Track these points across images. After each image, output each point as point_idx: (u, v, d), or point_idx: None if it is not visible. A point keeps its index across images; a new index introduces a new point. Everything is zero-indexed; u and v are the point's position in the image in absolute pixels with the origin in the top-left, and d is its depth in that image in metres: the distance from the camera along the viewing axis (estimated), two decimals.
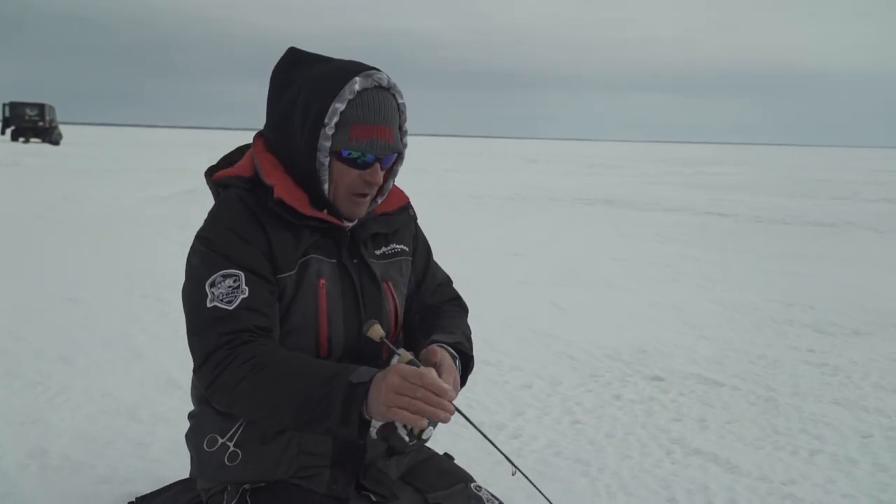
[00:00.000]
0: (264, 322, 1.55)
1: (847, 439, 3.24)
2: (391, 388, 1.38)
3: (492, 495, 1.75)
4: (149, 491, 2.31)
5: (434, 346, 1.60)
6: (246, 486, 1.65)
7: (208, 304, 1.53)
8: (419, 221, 1.91)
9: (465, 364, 1.75)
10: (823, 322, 5.35)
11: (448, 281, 1.95)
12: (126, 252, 7.36)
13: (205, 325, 1.53)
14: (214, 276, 1.55)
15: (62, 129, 40.19)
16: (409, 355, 1.48)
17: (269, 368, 1.47)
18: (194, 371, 1.56)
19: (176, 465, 2.63)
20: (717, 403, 3.63)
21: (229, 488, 1.67)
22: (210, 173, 1.74)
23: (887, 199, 17.53)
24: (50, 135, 37.28)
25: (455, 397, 1.42)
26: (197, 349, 1.54)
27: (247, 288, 1.55)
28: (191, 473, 1.82)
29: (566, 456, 2.99)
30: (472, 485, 1.75)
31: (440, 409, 1.38)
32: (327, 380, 1.44)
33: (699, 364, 4.26)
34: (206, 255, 1.59)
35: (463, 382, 1.70)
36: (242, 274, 1.56)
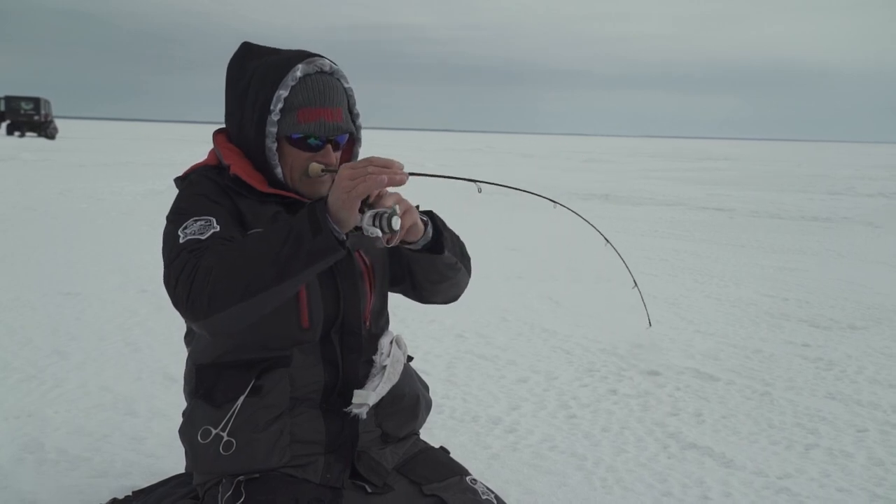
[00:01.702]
0: None
1: (842, 433, 3.25)
2: (343, 178, 1.43)
3: (487, 488, 1.75)
4: (145, 485, 2.32)
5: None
6: (241, 477, 1.65)
7: (181, 241, 1.55)
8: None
9: (433, 220, 1.75)
10: (819, 317, 5.37)
11: None
12: (122, 246, 7.35)
13: (176, 255, 1.53)
14: (186, 222, 1.59)
15: (58, 123, 40.06)
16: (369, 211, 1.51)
17: (232, 248, 1.50)
18: (172, 300, 1.51)
19: (172, 460, 2.63)
20: (712, 398, 3.64)
21: (224, 481, 1.68)
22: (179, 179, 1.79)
23: (882, 194, 17.55)
24: (45, 129, 37.17)
25: (403, 167, 1.46)
26: (170, 278, 1.52)
27: (219, 226, 1.57)
28: (186, 468, 1.82)
29: (562, 450, 3.00)
30: (468, 478, 1.76)
31: (394, 173, 1.42)
32: (288, 220, 1.49)
33: (695, 359, 4.27)
34: (176, 219, 1.62)
35: (444, 234, 1.73)
36: (213, 219, 1.59)
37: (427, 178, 1.71)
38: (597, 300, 5.71)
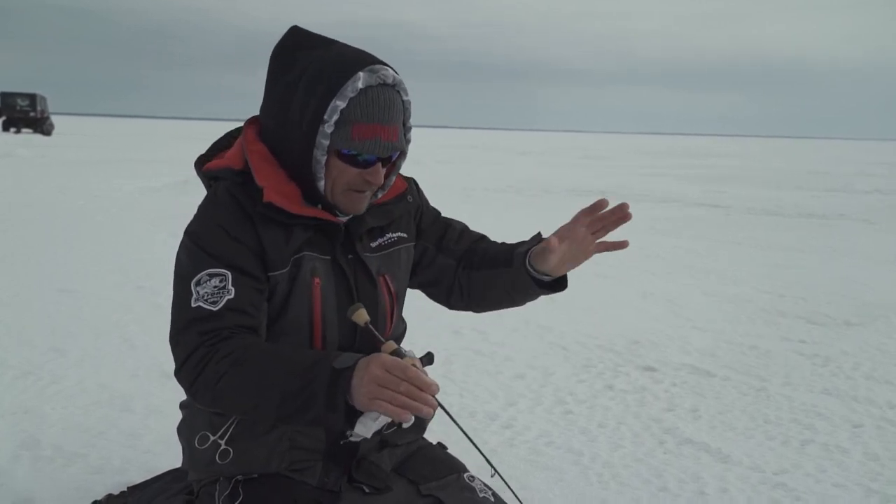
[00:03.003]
0: (248, 322, 1.52)
1: (838, 429, 3.26)
2: (373, 379, 1.33)
3: (485, 485, 1.74)
4: (141, 481, 2.32)
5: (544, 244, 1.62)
6: (238, 477, 1.65)
7: (192, 304, 1.49)
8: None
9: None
10: (815, 313, 5.38)
11: (467, 227, 1.94)
12: (118, 243, 7.33)
13: (187, 325, 1.49)
14: (200, 274, 1.51)
15: (56, 119, 39.94)
16: (394, 345, 1.45)
17: (250, 361, 1.44)
18: (175, 373, 1.51)
19: (168, 456, 2.63)
20: (709, 394, 3.65)
21: (221, 479, 1.67)
22: (200, 163, 1.69)
23: (880, 191, 17.58)
24: (42, 125, 37.10)
25: (438, 391, 1.37)
26: (178, 350, 1.50)
27: (233, 288, 1.50)
28: (182, 464, 1.81)
29: (558, 446, 3.00)
30: (465, 475, 1.75)
31: (423, 405, 1.33)
32: (309, 368, 1.40)
33: (691, 355, 4.28)
34: (193, 252, 1.55)
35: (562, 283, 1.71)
36: (229, 273, 1.51)
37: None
38: (594, 296, 5.72)
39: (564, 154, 38.38)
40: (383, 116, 1.51)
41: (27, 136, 34.10)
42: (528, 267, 1.66)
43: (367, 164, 1.54)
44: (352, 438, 1.61)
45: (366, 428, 1.45)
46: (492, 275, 1.77)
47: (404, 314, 1.89)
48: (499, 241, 1.88)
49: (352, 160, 1.53)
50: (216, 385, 1.44)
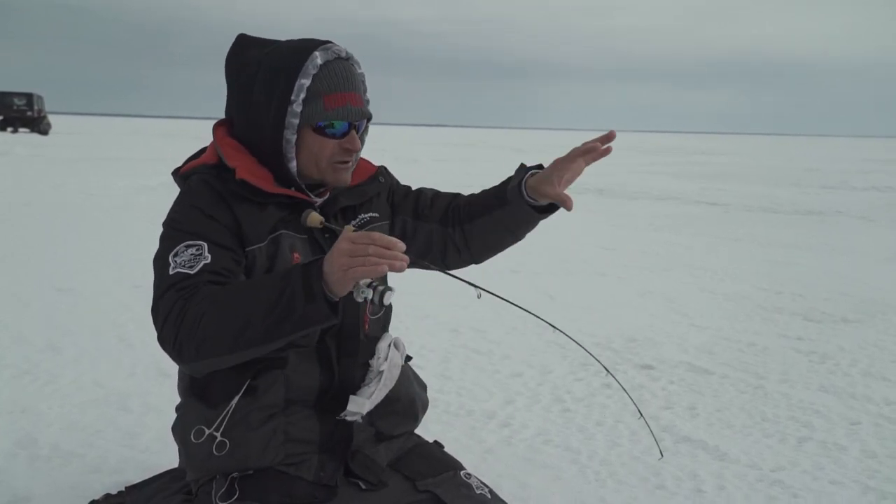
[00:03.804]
0: (225, 283, 1.53)
1: (835, 426, 3.27)
2: (342, 252, 1.38)
3: (481, 482, 1.75)
4: (139, 480, 2.31)
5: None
6: (234, 474, 1.65)
7: (170, 272, 1.52)
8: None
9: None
10: (812, 310, 5.38)
11: (438, 191, 2.00)
12: (115, 241, 7.33)
13: (165, 291, 1.51)
14: (178, 247, 1.55)
15: (55, 118, 39.83)
16: (352, 228, 1.49)
17: (226, 295, 1.46)
18: (158, 338, 1.51)
19: (166, 455, 2.63)
20: (706, 391, 3.65)
21: (218, 477, 1.67)
22: (177, 171, 1.75)
23: (876, 188, 17.59)
24: (39, 124, 37.00)
25: (404, 248, 1.40)
26: (158, 315, 1.51)
27: (209, 255, 1.54)
28: (179, 464, 1.81)
29: (556, 444, 3.00)
30: (462, 472, 1.76)
31: (394, 259, 1.38)
32: (282, 276, 1.44)
33: (689, 352, 4.28)
34: (170, 234, 1.60)
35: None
36: (205, 244, 1.56)
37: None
38: (591, 294, 5.72)
39: (561, 152, 38.21)
40: (348, 85, 1.62)
41: (24, 136, 34.03)
42: (528, 199, 1.74)
43: (343, 134, 1.63)
44: (347, 418, 1.64)
45: (358, 405, 1.47)
46: (489, 220, 1.83)
47: (399, 312, 1.90)
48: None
49: (329, 133, 1.62)
50: (198, 329, 1.44)
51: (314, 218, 1.59)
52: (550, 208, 1.76)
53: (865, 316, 5.25)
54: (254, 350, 1.46)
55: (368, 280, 1.41)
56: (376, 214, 1.83)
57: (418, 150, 32.17)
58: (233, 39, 1.73)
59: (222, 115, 1.76)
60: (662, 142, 72.22)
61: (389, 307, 1.80)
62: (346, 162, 1.66)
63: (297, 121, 1.59)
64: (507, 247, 1.89)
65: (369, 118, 1.70)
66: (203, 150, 1.79)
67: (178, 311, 1.46)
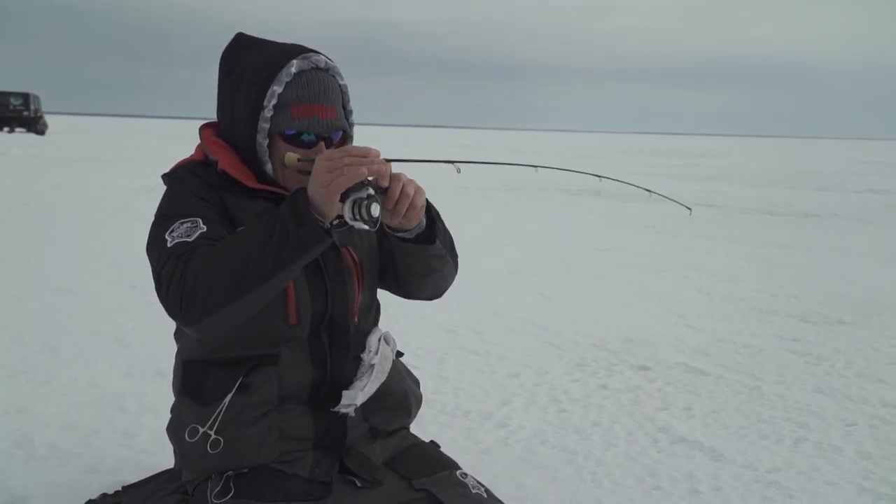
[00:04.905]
0: None
1: (831, 427, 3.28)
2: (321, 170, 1.43)
3: (477, 482, 1.75)
4: (136, 480, 2.31)
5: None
6: (229, 472, 1.66)
7: (169, 245, 1.54)
8: None
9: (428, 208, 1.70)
10: (808, 312, 5.39)
11: None
12: (113, 242, 7.32)
13: (165, 259, 1.52)
14: (173, 225, 1.57)
15: (54, 118, 39.70)
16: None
17: (220, 245, 1.49)
18: (165, 306, 1.50)
19: (163, 455, 2.62)
20: (702, 392, 3.66)
21: (213, 476, 1.67)
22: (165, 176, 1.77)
23: (872, 190, 17.63)
24: (35, 124, 36.91)
25: (379, 154, 1.46)
26: (161, 284, 1.51)
27: (205, 226, 1.56)
28: (175, 465, 1.82)
29: (552, 444, 3.01)
30: (458, 472, 1.76)
31: (372, 163, 1.43)
32: (271, 214, 1.48)
33: (685, 353, 4.29)
34: (162, 220, 1.61)
35: (437, 223, 1.72)
36: (199, 218, 1.58)
37: (418, 166, 1.68)
38: (588, 296, 5.73)
39: (558, 153, 38.39)
40: (319, 96, 1.63)
41: (20, 136, 33.95)
42: (392, 233, 1.69)
43: (310, 145, 1.64)
44: (340, 410, 1.65)
45: (351, 398, 1.48)
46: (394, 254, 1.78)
47: (395, 313, 1.90)
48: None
49: (295, 140, 1.64)
50: (202, 282, 1.45)
51: (290, 157, 1.62)
52: (424, 237, 1.70)
53: (861, 318, 5.26)
54: (261, 291, 1.46)
55: (350, 205, 1.44)
56: None
57: (416, 152, 32.16)
58: (227, 39, 1.75)
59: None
60: (660, 143, 72.30)
61: (377, 309, 1.82)
62: (309, 172, 1.61)
63: (267, 126, 1.62)
64: (425, 279, 1.81)
65: (345, 130, 1.70)
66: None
67: (179, 273, 1.48)
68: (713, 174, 22.88)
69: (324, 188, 1.42)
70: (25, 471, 2.60)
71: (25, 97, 36.92)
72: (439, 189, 13.93)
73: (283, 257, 1.45)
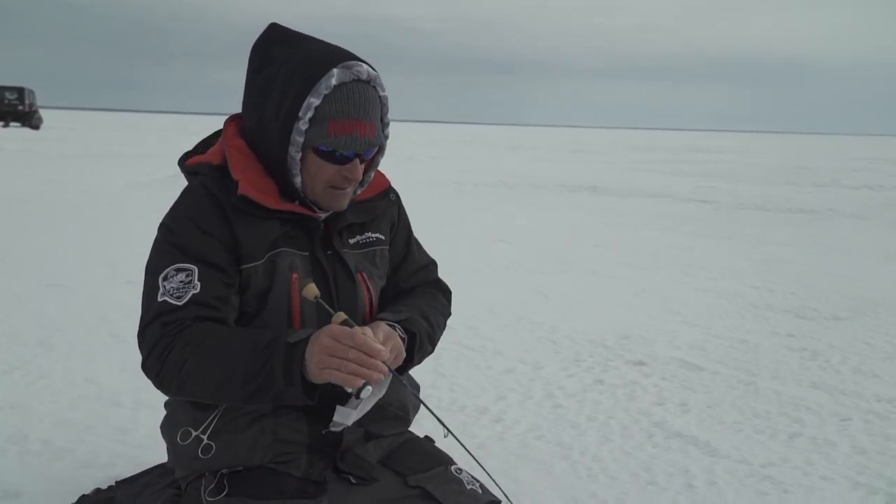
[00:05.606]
0: (213, 314, 1.53)
1: (826, 422, 3.28)
2: (322, 349, 1.37)
3: (472, 477, 1.75)
4: (129, 475, 2.31)
5: (376, 322, 1.57)
6: (224, 470, 1.64)
7: (159, 299, 1.53)
8: (406, 206, 1.88)
9: (412, 342, 1.63)
10: (804, 308, 5.40)
11: (430, 264, 1.90)
12: (108, 237, 7.31)
13: (152, 320, 1.52)
14: (168, 269, 1.54)
15: (49, 113, 39.55)
16: (343, 316, 1.46)
17: (211, 347, 1.47)
18: (142, 366, 1.55)
19: (157, 451, 2.61)
20: (698, 388, 3.66)
21: (207, 474, 1.66)
22: (185, 160, 1.71)
23: (868, 187, 17.66)
24: (30, 119, 36.80)
25: (388, 358, 1.42)
26: (143, 343, 1.53)
27: (199, 283, 1.52)
28: (168, 462, 1.81)
29: (548, 439, 3.01)
30: (453, 467, 1.76)
31: (372, 371, 1.37)
32: (266, 346, 1.44)
33: (681, 349, 4.29)
34: (162, 246, 1.58)
35: (413, 360, 1.65)
36: (196, 268, 1.53)
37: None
38: (585, 292, 5.73)
39: (555, 149, 38.39)
40: (359, 112, 1.51)
41: (15, 130, 33.85)
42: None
43: (344, 161, 1.55)
44: (332, 429, 1.60)
45: (344, 417, 1.47)
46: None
47: None
48: (428, 296, 1.83)
49: (329, 156, 1.54)
50: (180, 372, 1.47)
51: (310, 290, 1.50)
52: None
53: (856, 313, 5.27)
54: (229, 405, 1.58)
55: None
56: (381, 237, 1.76)
57: (414, 148, 32.12)
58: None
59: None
60: (657, 139, 72.33)
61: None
62: (343, 189, 1.59)
63: (301, 139, 1.51)
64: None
65: (381, 148, 1.62)
66: (212, 136, 1.74)
67: (162, 348, 1.49)
68: (709, 171, 22.88)
69: (318, 368, 1.39)
70: (19, 466, 2.60)
71: (20, 91, 36.80)
72: (435, 184, 13.95)
73: (258, 399, 1.46)
